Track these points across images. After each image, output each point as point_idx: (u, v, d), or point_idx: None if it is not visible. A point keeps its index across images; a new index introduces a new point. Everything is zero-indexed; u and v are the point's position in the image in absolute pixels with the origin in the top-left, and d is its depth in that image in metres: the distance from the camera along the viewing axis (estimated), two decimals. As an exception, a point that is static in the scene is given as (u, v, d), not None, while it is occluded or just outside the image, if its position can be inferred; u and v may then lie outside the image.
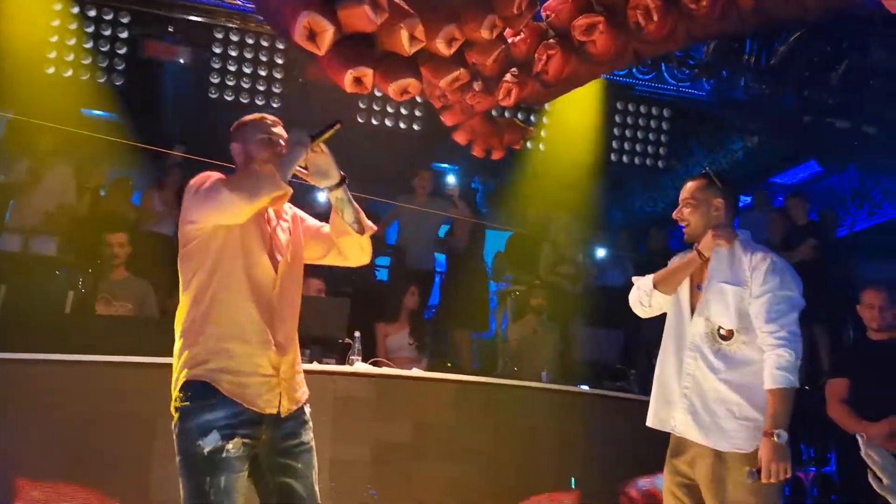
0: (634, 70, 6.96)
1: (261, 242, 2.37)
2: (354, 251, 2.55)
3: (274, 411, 2.32)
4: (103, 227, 5.46)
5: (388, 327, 6.04)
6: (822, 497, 5.91)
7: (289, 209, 2.56)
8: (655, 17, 3.48)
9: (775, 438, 2.51)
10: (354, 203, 2.48)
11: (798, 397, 6.86)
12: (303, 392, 2.45)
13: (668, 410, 2.77)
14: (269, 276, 2.36)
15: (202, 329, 2.31)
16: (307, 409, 2.46)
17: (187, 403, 2.26)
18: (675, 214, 2.89)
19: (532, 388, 4.69)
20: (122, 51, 6.37)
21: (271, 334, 2.34)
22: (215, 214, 2.26)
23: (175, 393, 2.30)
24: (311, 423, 2.45)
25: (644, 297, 2.93)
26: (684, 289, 2.85)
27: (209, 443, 2.21)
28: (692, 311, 2.79)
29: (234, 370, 2.28)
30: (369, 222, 2.53)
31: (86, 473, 3.54)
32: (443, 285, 7.10)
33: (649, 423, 2.83)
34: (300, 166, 2.39)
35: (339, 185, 2.44)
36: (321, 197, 5.95)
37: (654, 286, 2.89)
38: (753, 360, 2.67)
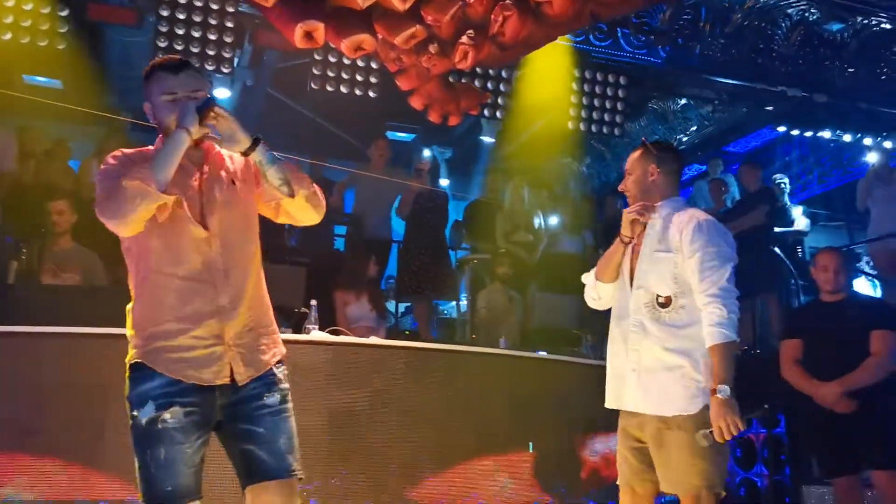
0: (591, 37, 6.93)
1: (181, 205, 2.20)
2: (297, 212, 2.38)
3: (225, 381, 2.17)
4: (44, 194, 5.26)
5: (347, 296, 5.98)
6: (772, 458, 6.07)
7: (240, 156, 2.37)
8: (612, -22, 3.45)
9: (719, 395, 2.51)
10: (280, 165, 2.27)
11: (748, 360, 7.00)
12: (272, 355, 2.29)
13: (621, 388, 2.76)
14: (198, 238, 2.21)
15: (139, 312, 2.22)
16: (279, 371, 2.29)
17: (129, 374, 2.19)
18: (620, 187, 2.94)
19: (489, 354, 4.70)
20: (65, 13, 6.10)
21: (214, 300, 2.19)
22: (111, 228, 2.14)
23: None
24: (284, 385, 2.29)
25: (592, 291, 2.95)
26: (627, 267, 2.84)
27: (145, 413, 2.11)
28: (632, 285, 2.79)
29: (172, 350, 2.16)
30: (304, 182, 2.32)
31: (40, 443, 3.46)
32: (402, 254, 7.05)
33: (608, 404, 2.82)
34: (213, 134, 2.21)
35: (252, 148, 2.24)
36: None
37: (596, 279, 2.92)
38: (693, 322, 2.65)
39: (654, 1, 4.01)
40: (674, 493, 2.64)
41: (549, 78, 7.00)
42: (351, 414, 3.92)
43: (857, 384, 3.86)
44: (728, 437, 2.52)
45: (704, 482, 2.56)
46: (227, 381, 2.19)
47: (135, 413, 2.13)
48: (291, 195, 2.28)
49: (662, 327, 2.68)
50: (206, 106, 2.20)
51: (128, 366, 2.20)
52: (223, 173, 2.32)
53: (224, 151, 2.34)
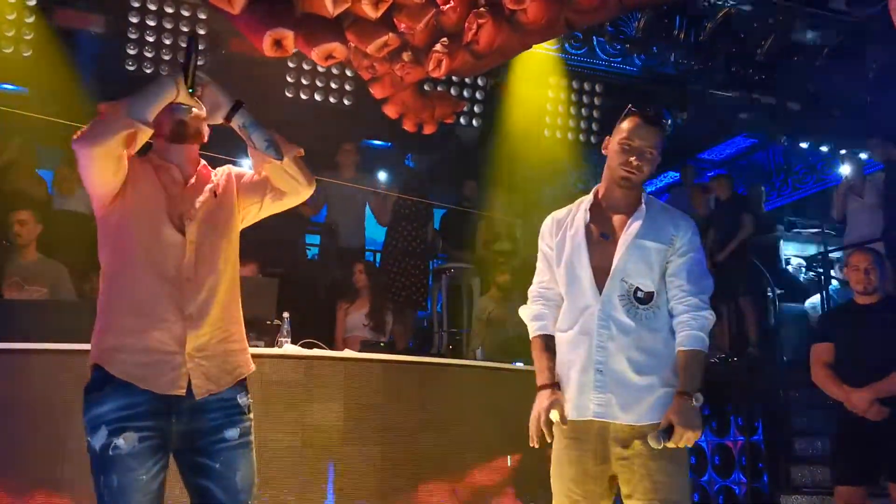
0: (567, 45, 6.93)
1: (162, 206, 2.17)
2: (287, 182, 2.29)
3: (181, 393, 2.08)
4: (8, 204, 5.12)
5: (347, 305, 5.92)
6: (750, 465, 6.07)
7: (223, 169, 2.36)
8: (587, -15, 3.41)
9: (693, 402, 2.32)
10: (263, 128, 2.21)
11: (728, 367, 6.98)
12: (235, 375, 2.20)
13: (583, 395, 2.42)
14: (173, 242, 2.16)
15: (105, 307, 2.16)
16: (242, 399, 2.20)
17: (84, 396, 2.10)
18: (625, 171, 2.49)
19: (465, 366, 4.64)
20: (31, 19, 5.97)
21: (180, 306, 2.12)
22: (87, 180, 2.12)
23: None
24: (246, 417, 2.20)
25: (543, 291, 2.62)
26: (581, 260, 2.49)
27: (98, 440, 2.02)
28: (595, 276, 2.46)
29: (129, 348, 2.08)
30: (292, 146, 2.26)
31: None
32: (382, 263, 6.99)
33: (570, 416, 2.44)
34: (197, 109, 2.20)
35: (233, 111, 2.20)
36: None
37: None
38: (665, 327, 2.45)
39: (628, 9, 3.99)
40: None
41: (526, 86, 6.98)
42: (325, 430, 3.84)
43: (891, 391, 3.73)
44: (682, 445, 2.32)
45: (682, 497, 2.39)
46: (182, 392, 2.10)
47: (89, 438, 2.05)
48: (280, 157, 2.21)
49: (638, 325, 2.41)
50: (190, 52, 2.15)
51: (90, 366, 2.12)
52: (208, 186, 2.28)
53: (206, 165, 2.32)
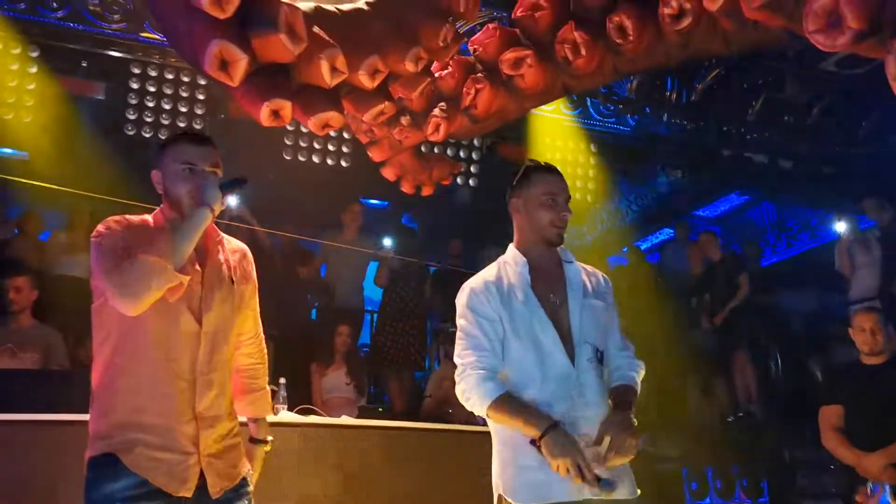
0: (561, 106, 7.03)
1: (182, 296, 2.05)
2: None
3: (188, 495, 2.02)
4: (4, 269, 5.08)
5: (323, 368, 5.86)
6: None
7: (240, 250, 2.28)
8: (583, 52, 3.47)
9: (634, 419, 2.24)
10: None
11: (732, 428, 6.84)
12: (243, 463, 2.19)
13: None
14: (190, 333, 2.07)
15: (110, 399, 2.06)
16: (248, 478, 2.21)
17: (90, 472, 2.03)
18: (561, 218, 2.41)
19: (463, 430, 4.55)
20: (31, 87, 6.04)
21: (194, 403, 2.05)
22: (111, 298, 2.00)
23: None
24: (249, 486, 2.19)
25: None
26: (543, 326, 2.32)
27: None
28: (563, 340, 2.31)
29: (140, 444, 2.00)
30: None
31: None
32: (379, 324, 6.94)
33: (527, 498, 2.20)
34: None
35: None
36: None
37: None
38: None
39: (623, 74, 4.06)
40: None
41: (524, 145, 7.05)
42: (323, 499, 3.74)
43: None
44: (632, 454, 2.20)
45: None
46: (189, 494, 2.03)
47: None
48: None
49: (602, 386, 2.33)
50: (236, 186, 2.13)
51: (88, 459, 2.03)
52: (225, 269, 2.20)
53: (224, 245, 2.25)
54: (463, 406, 2.30)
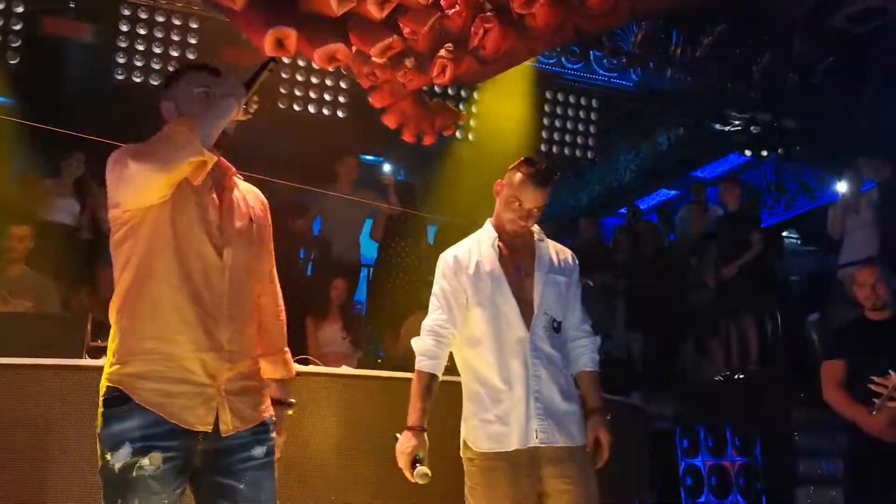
0: (563, 59, 6.89)
1: (201, 224, 2.00)
2: None
3: (207, 429, 1.94)
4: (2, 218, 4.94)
5: (318, 321, 5.80)
6: (748, 487, 5.96)
7: (254, 190, 2.22)
8: (599, -11, 3.33)
9: (608, 418, 2.63)
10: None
11: (727, 388, 6.84)
12: (264, 408, 2.09)
13: (528, 425, 2.55)
14: (210, 265, 1.99)
15: (127, 326, 1.97)
16: (270, 425, 2.10)
17: (102, 409, 1.94)
18: (521, 224, 2.67)
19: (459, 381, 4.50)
20: (18, 27, 5.84)
21: (213, 334, 1.96)
22: (130, 194, 1.91)
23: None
24: (272, 436, 2.08)
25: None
26: (504, 296, 2.63)
27: (119, 458, 1.86)
28: (520, 307, 2.61)
29: (155, 375, 1.91)
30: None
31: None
32: (374, 278, 6.86)
33: (487, 447, 2.58)
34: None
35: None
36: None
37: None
38: (566, 352, 2.71)
39: (639, 16, 3.92)
40: None
41: (517, 99, 6.91)
42: (322, 448, 3.68)
43: None
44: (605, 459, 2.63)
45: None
46: (208, 428, 1.95)
47: (107, 456, 1.89)
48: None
49: (559, 352, 2.66)
50: (263, 70, 2.02)
51: (102, 391, 1.95)
52: (242, 204, 2.13)
53: (239, 184, 2.17)
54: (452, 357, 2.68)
